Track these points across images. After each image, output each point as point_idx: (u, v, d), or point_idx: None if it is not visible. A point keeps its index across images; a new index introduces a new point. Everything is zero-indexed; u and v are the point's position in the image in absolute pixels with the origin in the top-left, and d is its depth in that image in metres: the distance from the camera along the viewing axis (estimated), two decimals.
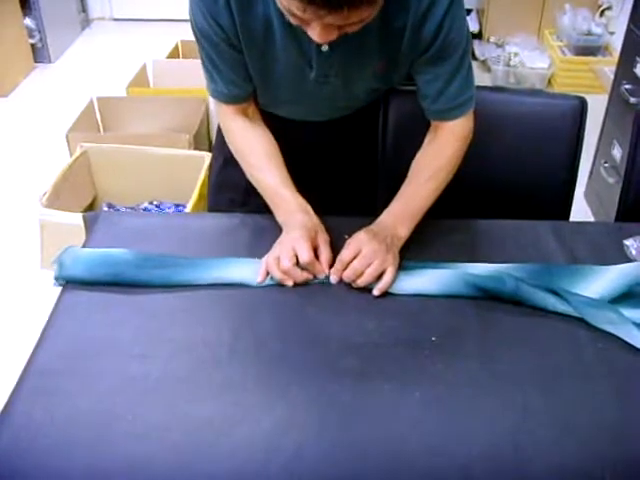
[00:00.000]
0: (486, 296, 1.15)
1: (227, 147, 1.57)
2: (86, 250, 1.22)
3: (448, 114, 1.29)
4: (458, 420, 0.94)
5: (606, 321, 1.09)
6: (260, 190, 1.31)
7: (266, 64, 1.24)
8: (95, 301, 1.14)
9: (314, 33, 1.02)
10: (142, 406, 0.96)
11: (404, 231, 1.23)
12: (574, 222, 1.56)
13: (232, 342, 1.07)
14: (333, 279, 1.17)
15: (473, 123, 1.32)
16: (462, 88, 1.27)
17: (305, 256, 1.15)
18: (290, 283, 1.16)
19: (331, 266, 1.18)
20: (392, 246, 1.19)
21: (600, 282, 1.17)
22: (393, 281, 1.16)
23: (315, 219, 1.23)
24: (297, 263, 1.16)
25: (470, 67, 1.28)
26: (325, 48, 1.18)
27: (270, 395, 0.98)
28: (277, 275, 1.16)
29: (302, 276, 1.16)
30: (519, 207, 1.52)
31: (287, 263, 1.15)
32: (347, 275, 1.15)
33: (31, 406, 0.95)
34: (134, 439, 0.91)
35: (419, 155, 1.32)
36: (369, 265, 1.14)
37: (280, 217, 1.26)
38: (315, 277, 1.18)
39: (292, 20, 1.04)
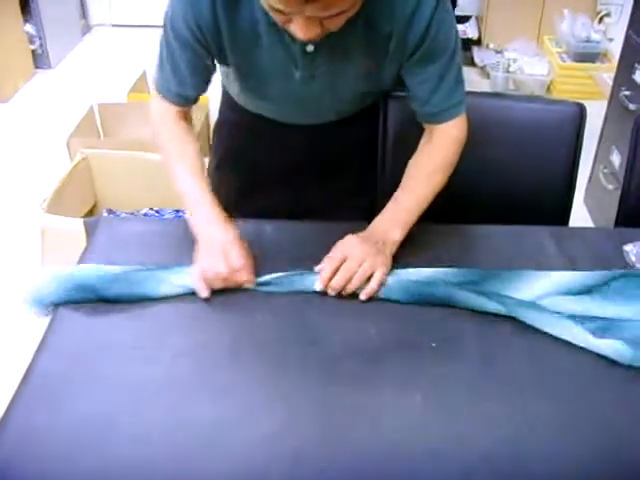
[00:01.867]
0: (421, 301, 1.15)
1: (220, 150, 1.58)
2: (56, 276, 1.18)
3: (439, 117, 1.29)
4: (459, 424, 0.94)
5: (535, 318, 1.10)
6: (179, 190, 1.27)
7: (253, 64, 1.24)
8: (96, 306, 1.14)
9: (297, 28, 1.02)
10: (143, 410, 0.96)
11: (397, 234, 1.22)
12: (573, 228, 1.56)
13: (232, 346, 1.07)
14: (318, 286, 1.15)
15: (466, 126, 1.31)
16: (452, 90, 1.26)
17: (238, 261, 1.14)
18: (222, 287, 1.16)
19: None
20: (383, 249, 1.18)
21: (537, 285, 1.18)
22: (381, 284, 1.15)
23: (235, 228, 1.22)
24: None
25: (460, 70, 1.27)
26: (310, 49, 1.18)
27: (270, 399, 0.98)
28: (217, 286, 1.15)
29: (235, 282, 1.16)
30: (518, 213, 1.52)
31: (223, 269, 1.14)
32: (337, 282, 1.14)
33: (32, 410, 0.95)
34: (135, 442, 0.91)
35: (413, 159, 1.32)
36: (358, 266, 1.14)
37: (196, 220, 1.23)
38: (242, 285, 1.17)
39: (275, 18, 1.04)
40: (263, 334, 1.10)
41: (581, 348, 1.07)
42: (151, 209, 2.59)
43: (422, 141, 1.33)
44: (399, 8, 1.14)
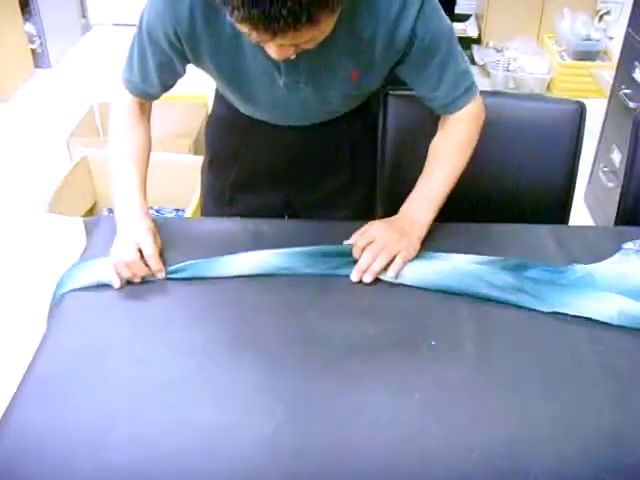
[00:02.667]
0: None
1: (213, 148, 1.58)
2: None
3: (451, 107, 1.30)
4: (457, 423, 0.94)
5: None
6: (113, 178, 1.30)
7: (237, 71, 1.24)
8: (95, 306, 1.15)
9: (270, 51, 1.04)
10: (142, 410, 0.96)
11: (424, 217, 1.27)
12: (573, 226, 1.56)
13: (232, 345, 1.07)
14: (353, 276, 1.20)
15: (481, 107, 1.33)
16: (455, 82, 1.26)
17: (150, 249, 1.18)
18: (137, 280, 1.18)
19: None
20: (410, 232, 1.22)
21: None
22: (403, 265, 1.19)
23: (153, 223, 1.26)
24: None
25: (461, 59, 1.26)
26: (292, 56, 1.17)
27: (270, 399, 0.98)
28: (125, 274, 1.17)
29: (144, 270, 1.18)
30: (519, 211, 1.52)
31: (132, 257, 1.16)
32: (362, 264, 1.18)
33: (32, 411, 0.95)
34: (134, 443, 0.91)
35: (433, 142, 1.34)
36: (382, 250, 1.18)
37: (118, 211, 1.26)
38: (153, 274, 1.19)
39: (249, 38, 1.03)
40: (263, 334, 1.10)
41: (580, 347, 1.07)
42: (151, 208, 2.57)
43: (439, 126, 1.35)
44: (383, 11, 1.13)
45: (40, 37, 4.09)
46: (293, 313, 1.14)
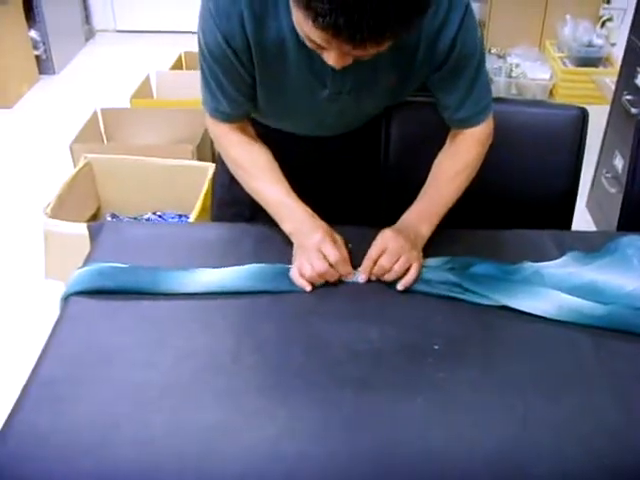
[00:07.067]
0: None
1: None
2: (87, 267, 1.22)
3: (470, 121, 1.31)
4: (460, 427, 0.94)
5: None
6: (262, 201, 1.31)
7: (278, 82, 1.24)
8: (99, 309, 1.15)
9: (330, 59, 1.02)
10: (146, 413, 0.96)
11: (426, 230, 1.27)
12: (576, 231, 1.56)
13: (235, 349, 1.07)
14: (362, 278, 1.21)
15: (492, 127, 1.34)
16: (481, 95, 1.29)
17: (334, 256, 1.18)
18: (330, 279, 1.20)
19: (356, 265, 1.22)
20: (416, 243, 1.22)
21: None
22: (417, 277, 1.19)
23: (325, 223, 1.25)
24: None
25: (486, 73, 1.29)
26: (348, 63, 1.18)
27: (272, 402, 0.98)
28: (316, 281, 1.18)
29: (336, 275, 1.19)
30: (521, 217, 1.52)
31: (322, 266, 1.17)
32: (376, 272, 1.19)
33: (36, 414, 0.95)
34: (138, 446, 0.91)
35: (440, 158, 1.34)
36: (396, 262, 1.18)
37: (288, 226, 1.26)
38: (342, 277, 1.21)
39: (309, 44, 1.03)
40: (265, 337, 1.10)
41: (583, 351, 1.08)
42: (154, 213, 2.60)
43: (448, 140, 1.35)
44: (428, 20, 1.13)
45: (44, 43, 4.11)
46: (295, 318, 1.15)
